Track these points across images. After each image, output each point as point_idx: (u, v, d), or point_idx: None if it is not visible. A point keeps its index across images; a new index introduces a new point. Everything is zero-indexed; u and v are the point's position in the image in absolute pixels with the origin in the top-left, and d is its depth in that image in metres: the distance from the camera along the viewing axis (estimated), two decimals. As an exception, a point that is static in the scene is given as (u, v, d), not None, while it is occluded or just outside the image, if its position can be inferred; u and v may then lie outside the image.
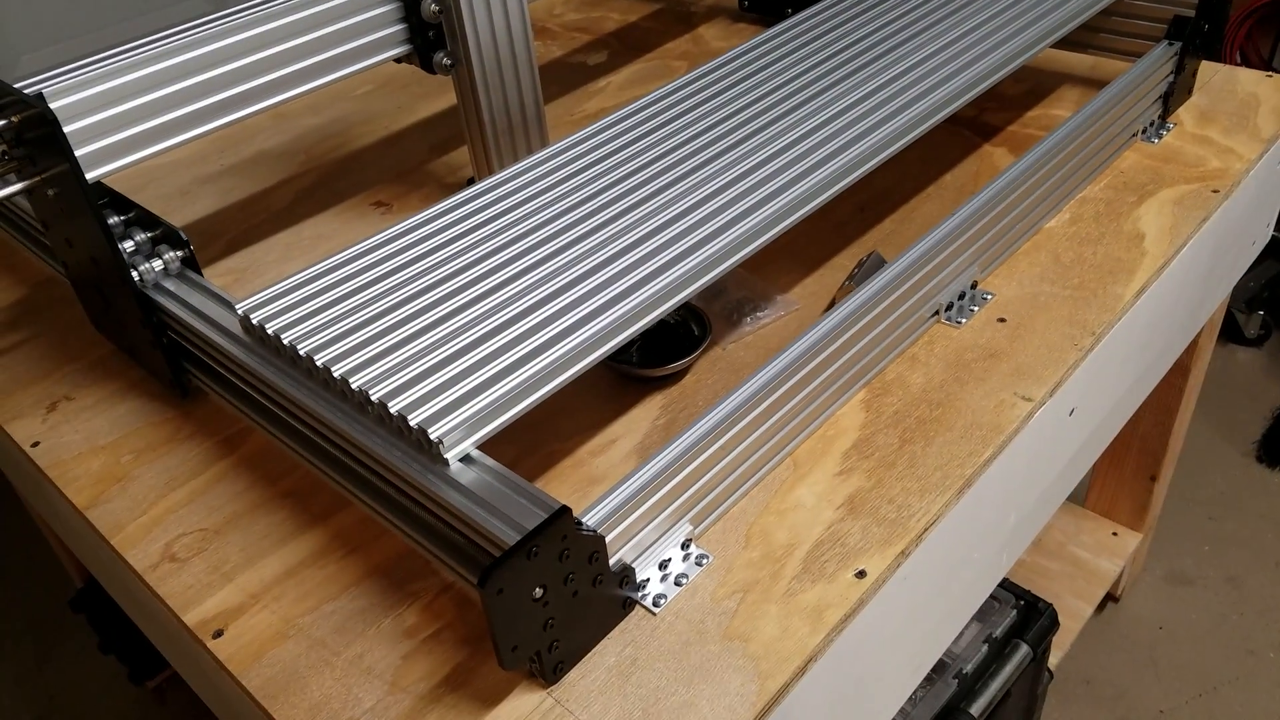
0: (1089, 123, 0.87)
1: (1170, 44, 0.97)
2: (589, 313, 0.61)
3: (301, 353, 0.60)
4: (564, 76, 1.22)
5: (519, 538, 0.49)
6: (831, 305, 0.81)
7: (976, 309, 0.78)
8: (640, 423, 0.72)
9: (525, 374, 0.57)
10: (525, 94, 0.93)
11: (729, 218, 0.68)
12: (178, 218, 1.03)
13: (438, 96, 1.21)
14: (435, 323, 0.61)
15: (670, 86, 0.84)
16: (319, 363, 0.59)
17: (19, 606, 1.67)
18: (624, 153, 0.76)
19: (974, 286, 0.80)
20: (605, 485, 0.67)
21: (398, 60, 0.89)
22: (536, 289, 0.63)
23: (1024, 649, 1.01)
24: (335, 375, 0.58)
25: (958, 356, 0.74)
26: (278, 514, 0.67)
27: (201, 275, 0.73)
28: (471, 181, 0.99)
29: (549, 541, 0.50)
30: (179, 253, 0.73)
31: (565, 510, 0.51)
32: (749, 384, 0.63)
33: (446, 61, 0.88)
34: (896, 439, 0.68)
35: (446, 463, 0.54)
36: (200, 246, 0.97)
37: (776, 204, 0.70)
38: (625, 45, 1.28)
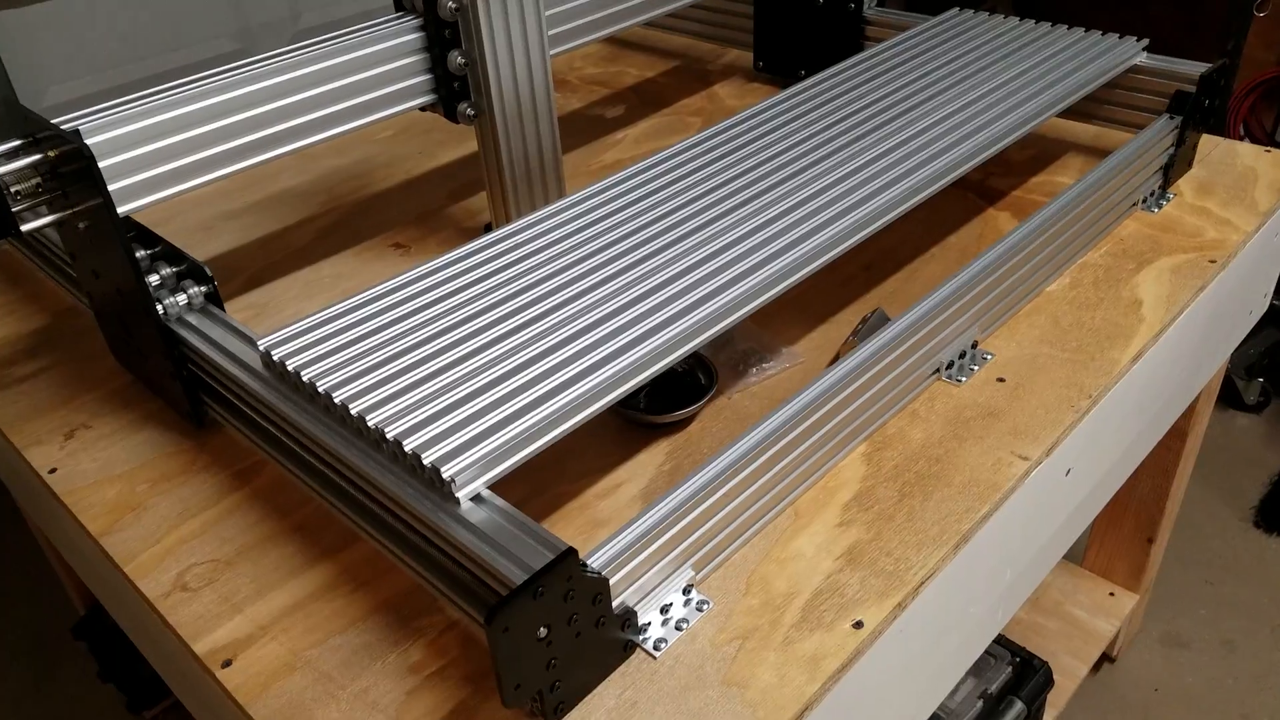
0: (1091, 190, 0.90)
1: (1171, 118, 1.00)
2: (601, 359, 0.63)
3: (320, 389, 0.62)
4: (582, 128, 1.26)
5: (526, 577, 0.50)
6: (836, 359, 0.83)
7: (977, 368, 0.80)
8: (646, 468, 0.74)
9: (537, 416, 0.59)
10: (545, 145, 0.96)
11: (738, 271, 0.70)
12: (200, 252, 1.06)
13: (457, 144, 1.24)
14: (451, 364, 0.63)
15: (686, 143, 0.87)
16: (336, 400, 0.61)
17: (20, 627, 1.67)
18: (638, 205, 0.79)
19: (974, 346, 0.82)
20: (610, 529, 0.68)
21: (422, 109, 0.93)
22: (551, 334, 0.65)
23: (1018, 706, 1.01)
24: (352, 412, 0.60)
25: (957, 414, 0.76)
26: (288, 547, 0.69)
27: (224, 310, 0.76)
28: (489, 228, 1.02)
29: (555, 582, 0.51)
30: (203, 288, 0.75)
31: (571, 552, 0.52)
32: (753, 433, 0.64)
33: (470, 112, 0.91)
34: (896, 492, 0.69)
35: (457, 501, 0.56)
36: (221, 281, 0.99)
37: (785, 260, 0.72)
38: (642, 100, 1.32)
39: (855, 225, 0.76)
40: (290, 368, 0.64)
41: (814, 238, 0.74)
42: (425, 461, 0.56)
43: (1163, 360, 0.88)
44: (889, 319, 0.84)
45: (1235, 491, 1.76)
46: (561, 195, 1.00)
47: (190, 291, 0.75)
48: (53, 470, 0.77)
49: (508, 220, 0.97)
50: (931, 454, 0.72)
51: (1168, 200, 1.02)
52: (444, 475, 0.55)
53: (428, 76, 0.90)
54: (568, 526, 0.69)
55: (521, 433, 0.58)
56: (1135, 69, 1.03)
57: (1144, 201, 1.01)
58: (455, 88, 0.91)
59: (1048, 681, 1.03)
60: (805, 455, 0.69)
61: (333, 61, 0.83)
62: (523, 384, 0.61)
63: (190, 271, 0.75)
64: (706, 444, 0.75)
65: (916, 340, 0.75)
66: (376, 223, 1.09)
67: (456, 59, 0.88)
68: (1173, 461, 1.24)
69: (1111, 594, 1.39)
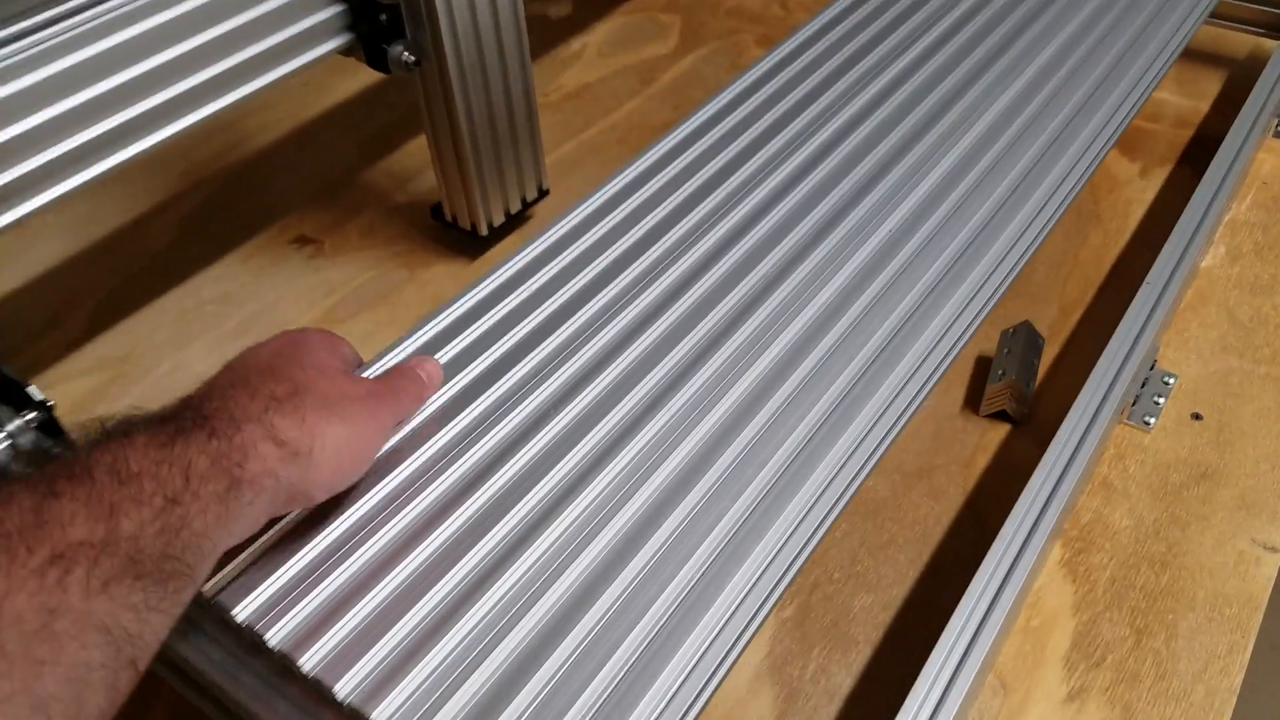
0: (1251, 128, 0.68)
1: (1302, 11, 0.78)
2: (713, 576, 0.39)
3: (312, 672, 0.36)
4: (525, 40, 0.94)
5: None
6: (979, 399, 0.60)
7: (1162, 401, 0.60)
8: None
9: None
10: (515, 94, 0.67)
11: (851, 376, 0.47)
12: (16, 273, 0.73)
13: (357, 66, 0.91)
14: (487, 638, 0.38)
15: (694, 121, 0.60)
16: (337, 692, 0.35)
17: None
18: (695, 244, 0.53)
19: (1153, 368, 0.61)
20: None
21: (335, 53, 0.62)
22: (598, 537, 0.40)
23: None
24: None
25: (1162, 479, 0.56)
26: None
27: (72, 445, 0.46)
28: (438, 210, 0.73)
29: None
30: (31, 415, 0.46)
31: None
32: (967, 613, 0.42)
33: (408, 57, 0.61)
34: (1127, 628, 0.49)
35: None
36: (52, 323, 0.69)
37: (953, 305, 0.49)
38: (593, -8, 1.01)
39: (1017, 235, 0.53)
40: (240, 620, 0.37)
41: (983, 256, 0.51)
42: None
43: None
44: (1036, 333, 0.62)
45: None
46: (537, 159, 0.71)
47: (11, 427, 0.45)
48: None
49: (469, 201, 0.69)
50: (1151, 552, 0.52)
51: (1293, 120, 0.81)
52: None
53: (339, 9, 0.59)
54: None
55: None
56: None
57: (1275, 129, 0.80)
58: (382, 21, 0.60)
59: None
60: (997, 587, 0.47)
61: (189, 5, 0.51)
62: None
63: (5, 391, 0.45)
64: (837, 562, 0.53)
65: (1112, 387, 0.53)
66: (263, 203, 0.78)
67: (386, -20, 0.57)
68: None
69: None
